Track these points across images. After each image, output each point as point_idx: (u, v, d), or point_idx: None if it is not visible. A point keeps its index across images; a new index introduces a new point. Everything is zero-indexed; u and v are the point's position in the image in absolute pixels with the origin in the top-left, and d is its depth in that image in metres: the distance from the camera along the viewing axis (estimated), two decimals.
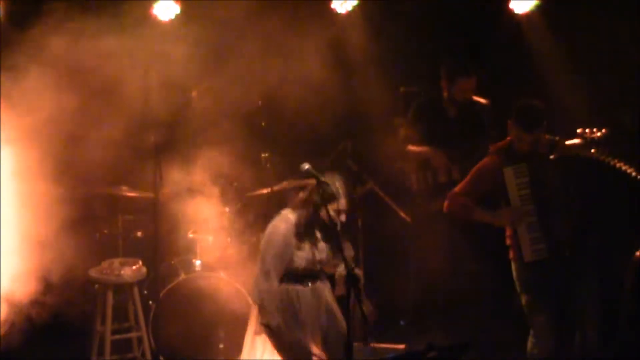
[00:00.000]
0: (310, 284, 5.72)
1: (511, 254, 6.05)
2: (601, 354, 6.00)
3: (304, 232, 5.68)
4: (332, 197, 5.60)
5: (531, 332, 6.04)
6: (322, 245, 5.74)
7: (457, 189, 6.11)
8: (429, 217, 7.19)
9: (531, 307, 6.00)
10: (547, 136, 5.91)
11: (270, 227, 5.71)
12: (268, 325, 5.59)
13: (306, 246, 5.69)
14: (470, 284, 7.12)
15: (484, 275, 7.15)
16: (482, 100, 7.32)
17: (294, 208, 5.75)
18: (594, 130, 6.23)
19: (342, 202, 5.67)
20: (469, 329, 6.99)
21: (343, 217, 5.68)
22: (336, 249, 5.49)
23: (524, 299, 6.02)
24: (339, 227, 5.60)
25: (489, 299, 7.23)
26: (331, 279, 5.99)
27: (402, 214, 7.23)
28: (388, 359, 4.84)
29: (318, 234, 5.74)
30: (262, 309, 5.60)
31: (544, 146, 5.91)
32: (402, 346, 6.70)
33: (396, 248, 7.62)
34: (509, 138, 6.00)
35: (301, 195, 5.67)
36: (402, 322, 7.67)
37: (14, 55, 6.23)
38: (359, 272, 5.83)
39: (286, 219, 5.71)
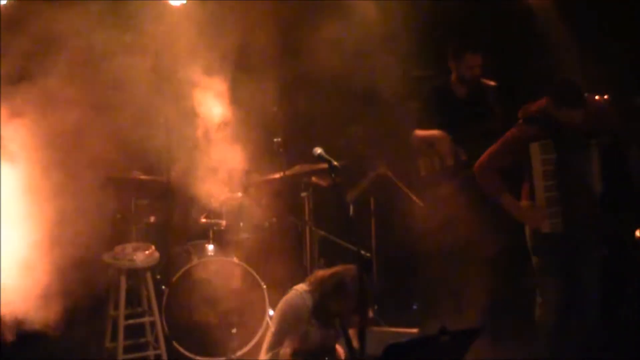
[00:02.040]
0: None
1: None
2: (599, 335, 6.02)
3: (319, 312, 5.32)
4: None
5: (538, 293, 6.05)
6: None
7: (485, 158, 6.03)
8: (438, 201, 7.18)
9: (540, 269, 6.06)
10: None
11: (285, 301, 5.36)
12: None
13: (319, 325, 5.35)
14: (481, 268, 7.10)
15: (495, 259, 7.13)
16: (490, 82, 7.30)
17: (309, 284, 5.39)
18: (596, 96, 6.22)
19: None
20: (480, 313, 6.98)
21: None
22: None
23: (533, 260, 6.09)
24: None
25: (500, 284, 7.21)
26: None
27: (414, 198, 7.21)
28: (401, 342, 4.82)
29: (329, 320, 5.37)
30: None
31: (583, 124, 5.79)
32: (415, 330, 6.69)
33: (408, 232, 7.61)
34: (543, 103, 5.86)
35: None
36: (414, 306, 7.67)
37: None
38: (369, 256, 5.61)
39: (303, 296, 5.34)
